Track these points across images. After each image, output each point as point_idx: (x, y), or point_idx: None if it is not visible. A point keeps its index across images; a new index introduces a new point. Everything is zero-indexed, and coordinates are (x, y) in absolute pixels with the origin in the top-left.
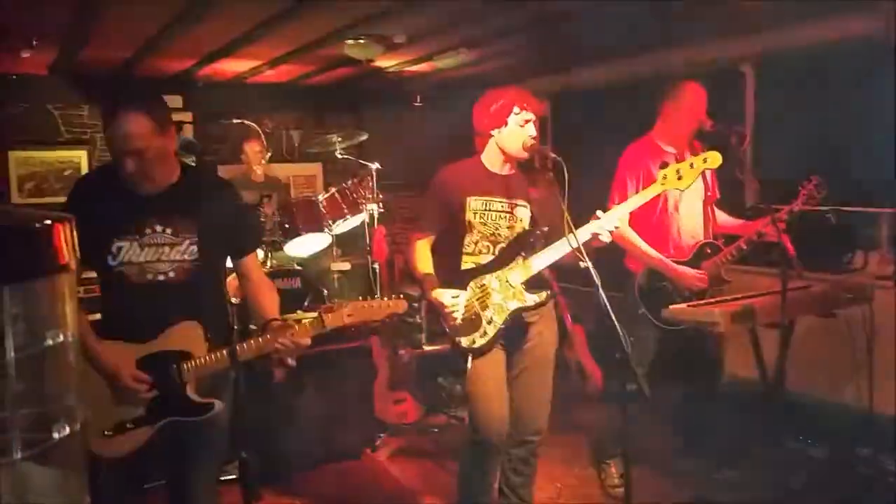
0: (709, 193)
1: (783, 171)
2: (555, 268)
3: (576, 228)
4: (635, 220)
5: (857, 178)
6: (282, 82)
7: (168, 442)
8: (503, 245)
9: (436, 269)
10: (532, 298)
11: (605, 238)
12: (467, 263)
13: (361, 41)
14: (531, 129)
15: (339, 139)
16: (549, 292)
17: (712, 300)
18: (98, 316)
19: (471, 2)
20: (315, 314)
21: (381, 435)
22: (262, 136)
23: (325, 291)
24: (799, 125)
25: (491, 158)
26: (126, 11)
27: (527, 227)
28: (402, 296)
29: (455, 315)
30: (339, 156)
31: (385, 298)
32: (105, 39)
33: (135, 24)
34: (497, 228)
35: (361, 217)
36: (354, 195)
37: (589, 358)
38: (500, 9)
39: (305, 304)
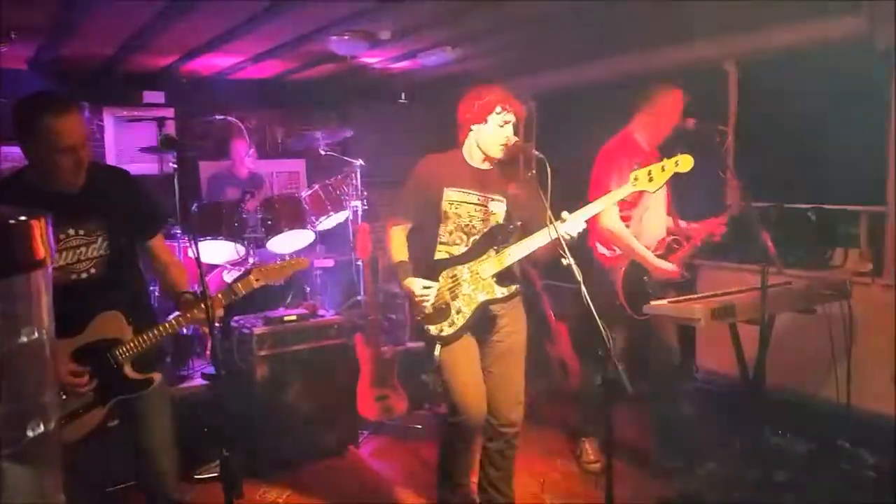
0: (668, 192)
1: (765, 170)
2: (537, 264)
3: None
4: (624, 213)
5: (837, 176)
6: (265, 78)
7: (123, 418)
8: (476, 237)
9: (410, 256)
10: (501, 291)
11: (574, 233)
12: (441, 252)
13: (346, 37)
14: (509, 131)
15: (324, 135)
16: (517, 286)
17: (693, 296)
18: None
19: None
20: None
21: (365, 432)
22: (246, 133)
23: (308, 288)
24: (781, 124)
25: (470, 152)
26: (108, 6)
27: (501, 222)
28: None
29: (425, 304)
30: (323, 152)
31: (287, 258)
32: (87, 34)
33: (117, 20)
34: (471, 220)
35: (345, 214)
36: (338, 192)
37: (571, 355)
38: (485, 7)
39: (287, 300)
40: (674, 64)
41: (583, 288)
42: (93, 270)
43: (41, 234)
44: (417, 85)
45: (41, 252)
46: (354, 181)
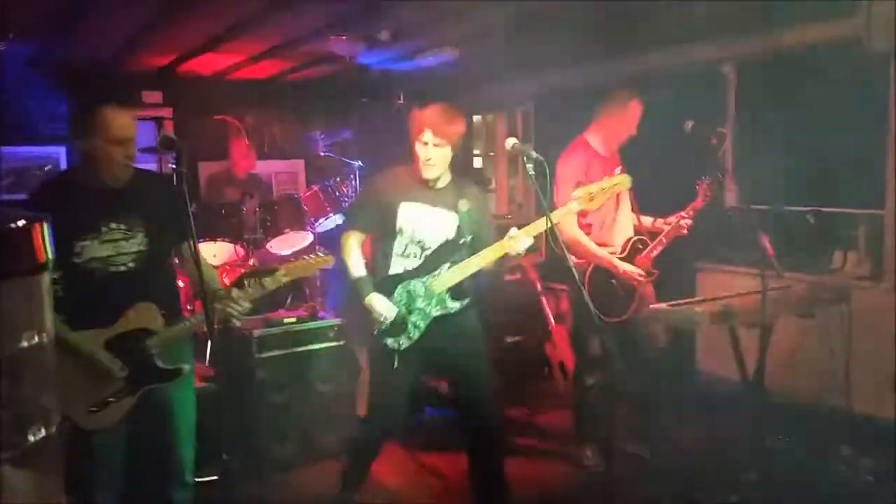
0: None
1: (764, 172)
2: (538, 267)
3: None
4: (587, 220)
5: (836, 179)
6: (264, 78)
7: (149, 408)
8: (429, 252)
9: (367, 266)
10: (454, 305)
11: (521, 251)
12: (396, 265)
13: (345, 38)
14: (425, 152)
15: (322, 136)
16: (469, 300)
17: (693, 300)
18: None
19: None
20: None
21: None
22: (245, 133)
23: (308, 290)
24: (779, 127)
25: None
26: (106, 6)
27: (452, 238)
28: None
29: (384, 321)
30: (322, 153)
31: (314, 256)
32: (85, 34)
33: (115, 20)
34: (425, 235)
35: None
36: (337, 193)
37: (571, 357)
38: (483, 7)
39: (287, 302)
40: (672, 66)
41: (584, 290)
42: (131, 264)
43: (42, 237)
44: (416, 86)
45: (42, 256)
46: (353, 182)
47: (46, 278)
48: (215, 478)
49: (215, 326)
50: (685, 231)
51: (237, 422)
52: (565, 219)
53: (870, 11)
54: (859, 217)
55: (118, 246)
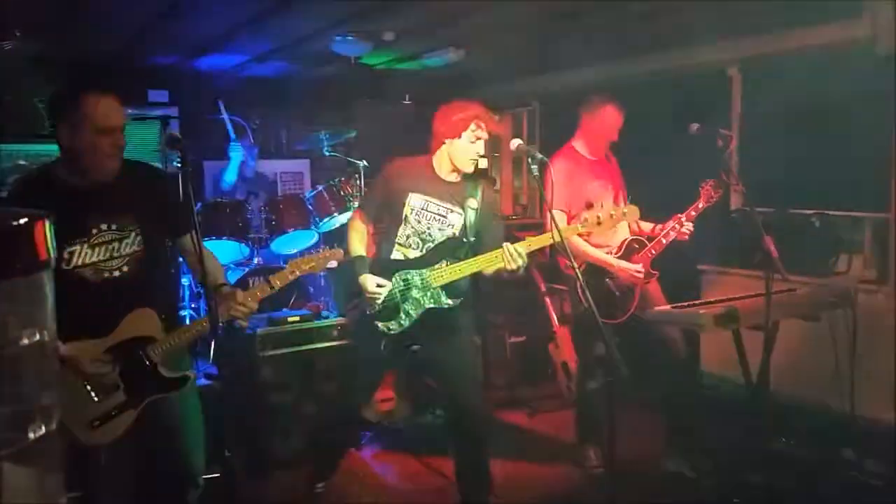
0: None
1: (769, 175)
2: (542, 268)
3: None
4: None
5: (842, 182)
6: (269, 78)
7: (154, 418)
8: (431, 245)
9: (369, 250)
10: (447, 302)
11: (521, 264)
12: (397, 252)
13: (350, 38)
14: (480, 148)
15: (327, 136)
16: (462, 299)
17: (696, 302)
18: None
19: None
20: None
21: (367, 433)
22: (250, 133)
23: (312, 289)
24: (785, 129)
25: (440, 162)
26: (113, 4)
27: (456, 235)
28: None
29: (376, 301)
30: (327, 153)
31: (322, 250)
32: (91, 32)
33: (122, 17)
34: (429, 228)
35: (349, 214)
36: (342, 192)
37: (574, 358)
38: (489, 8)
39: (291, 301)
40: (677, 68)
41: (587, 293)
42: (125, 268)
43: (44, 235)
44: (421, 85)
45: (44, 253)
46: (358, 182)
47: (48, 276)
48: (217, 475)
49: (220, 324)
50: (686, 237)
51: (240, 420)
52: (556, 217)
53: (874, 13)
54: (865, 220)
55: (111, 249)
